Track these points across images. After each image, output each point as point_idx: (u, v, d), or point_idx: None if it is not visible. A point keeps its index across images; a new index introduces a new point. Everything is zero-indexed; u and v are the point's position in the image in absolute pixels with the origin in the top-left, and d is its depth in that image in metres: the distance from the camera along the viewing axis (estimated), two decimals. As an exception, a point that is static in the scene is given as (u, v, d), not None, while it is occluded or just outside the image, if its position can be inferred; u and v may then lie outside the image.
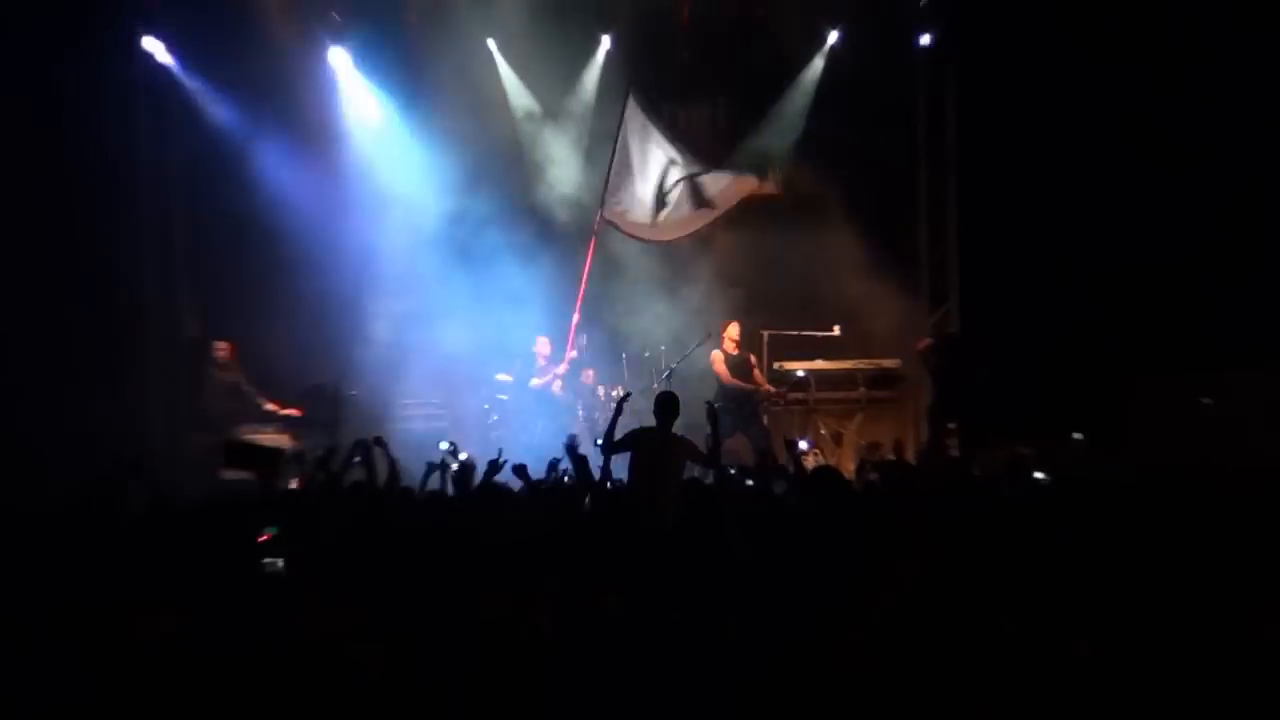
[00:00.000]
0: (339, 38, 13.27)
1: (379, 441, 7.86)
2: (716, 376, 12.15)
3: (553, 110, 13.53)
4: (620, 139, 12.45)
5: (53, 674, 4.38)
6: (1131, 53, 12.34)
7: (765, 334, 12.76)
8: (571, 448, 7.77)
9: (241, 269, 12.99)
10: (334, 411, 12.15)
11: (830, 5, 13.32)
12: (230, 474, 9.00)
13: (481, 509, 6.73)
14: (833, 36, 13.56)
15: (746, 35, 13.46)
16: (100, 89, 11.88)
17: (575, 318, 12.46)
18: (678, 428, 8.61)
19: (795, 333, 12.87)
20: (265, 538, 5.80)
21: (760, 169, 12.80)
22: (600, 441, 8.46)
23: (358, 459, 7.57)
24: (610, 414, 8.59)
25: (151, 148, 13.09)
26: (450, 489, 7.63)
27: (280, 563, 5.46)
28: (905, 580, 5.04)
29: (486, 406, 12.70)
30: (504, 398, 12.64)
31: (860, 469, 10.54)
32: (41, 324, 11.65)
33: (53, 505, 6.73)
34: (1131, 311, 12.33)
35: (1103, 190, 12.60)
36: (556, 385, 12.52)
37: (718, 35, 13.44)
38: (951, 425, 12.06)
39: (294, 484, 9.45)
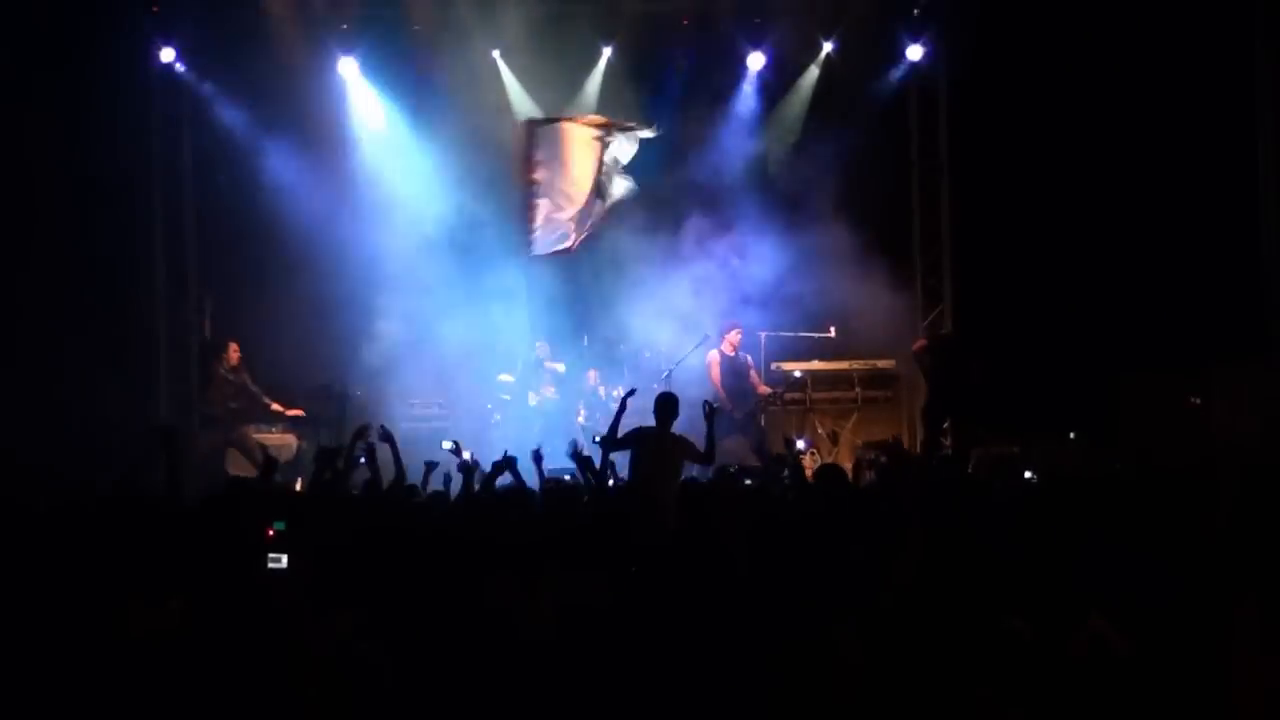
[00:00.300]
0: (347, 47, 13.37)
1: (385, 435, 7.89)
2: (710, 380, 12.21)
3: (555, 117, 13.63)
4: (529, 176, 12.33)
5: (56, 668, 4.42)
6: (1120, 56, 12.46)
7: (762, 335, 12.87)
8: (576, 454, 7.82)
9: (248, 271, 13.13)
10: (338, 411, 12.22)
11: (825, 15, 13.45)
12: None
13: (485, 509, 6.79)
14: (828, 46, 13.69)
15: (744, 44, 13.58)
16: (115, 98, 11.99)
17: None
18: (678, 428, 8.70)
19: (791, 334, 12.99)
20: (271, 533, 5.83)
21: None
22: (598, 439, 8.53)
23: (361, 458, 7.60)
24: (612, 414, 8.67)
25: (164, 153, 13.24)
26: (453, 489, 7.71)
27: (284, 559, 5.50)
28: (905, 578, 5.12)
29: (489, 406, 12.79)
30: (506, 397, 12.74)
31: (857, 468, 10.65)
32: (54, 325, 11.74)
33: (66, 499, 6.83)
34: (1122, 310, 12.44)
35: (1093, 191, 12.71)
36: (549, 390, 12.62)
37: (716, 44, 13.56)
38: (946, 424, 12.16)
39: (299, 483, 9.57)
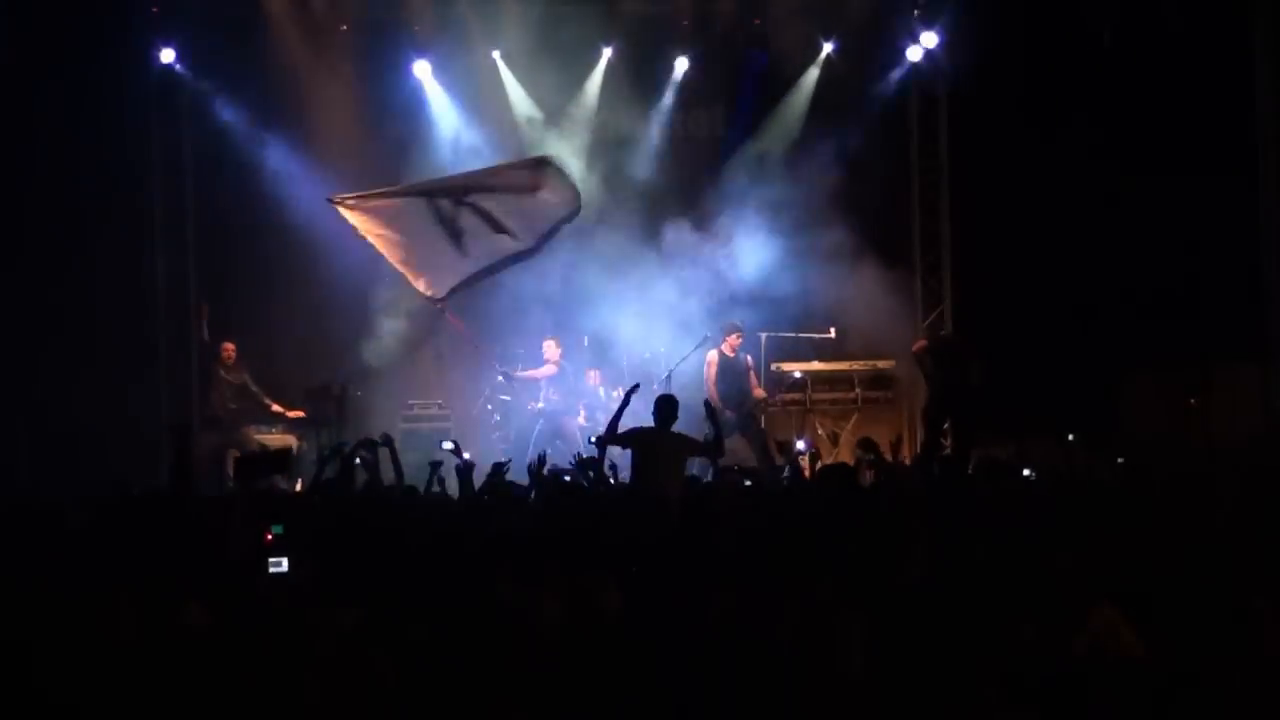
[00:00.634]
0: (347, 48, 13.37)
1: (386, 440, 7.93)
2: (705, 380, 12.21)
3: (555, 117, 13.65)
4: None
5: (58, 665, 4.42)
6: (1122, 56, 12.48)
7: (762, 335, 12.88)
8: (582, 463, 7.82)
9: (248, 271, 13.14)
10: (338, 412, 12.23)
11: (825, 17, 13.46)
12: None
13: (487, 509, 6.80)
14: (828, 47, 13.70)
15: (744, 46, 13.59)
16: (115, 98, 12.01)
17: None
18: (678, 428, 8.72)
19: (791, 334, 13.00)
20: (270, 538, 5.84)
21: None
22: (594, 439, 8.50)
23: (360, 461, 7.62)
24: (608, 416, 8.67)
25: (164, 153, 13.24)
26: (454, 489, 7.73)
27: (285, 563, 5.50)
28: (909, 578, 5.12)
29: (490, 407, 12.80)
30: (506, 398, 12.74)
31: (856, 467, 10.64)
32: (54, 326, 11.75)
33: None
34: (1122, 311, 12.46)
35: (1093, 191, 12.73)
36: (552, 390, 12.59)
37: (716, 46, 13.57)
38: (946, 425, 12.16)
39: (299, 484, 9.58)
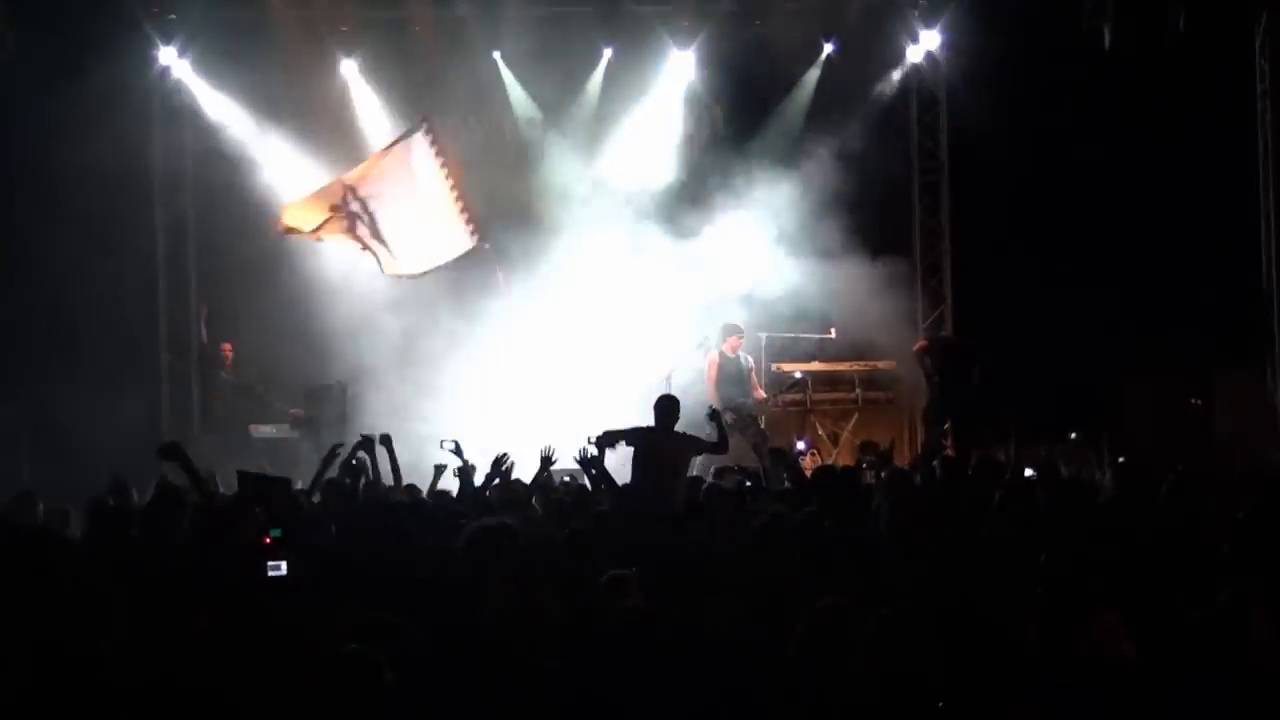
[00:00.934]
0: (348, 48, 13.38)
1: (385, 440, 7.92)
2: (705, 381, 12.21)
3: (555, 118, 13.66)
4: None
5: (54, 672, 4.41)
6: (1123, 55, 12.48)
7: (763, 336, 12.88)
8: (584, 460, 7.81)
9: (248, 271, 13.13)
10: (340, 412, 12.23)
11: (826, 17, 13.47)
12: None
13: (487, 509, 6.79)
14: (828, 47, 13.71)
15: (745, 46, 13.60)
16: (115, 98, 12.01)
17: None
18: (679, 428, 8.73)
19: (792, 335, 12.99)
20: (268, 540, 5.83)
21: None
22: (593, 439, 8.33)
23: (357, 461, 7.62)
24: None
25: (164, 153, 13.25)
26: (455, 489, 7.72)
27: (284, 566, 5.50)
28: (915, 579, 5.12)
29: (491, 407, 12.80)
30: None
31: (856, 469, 10.63)
32: (53, 327, 11.75)
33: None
34: (1124, 312, 12.46)
35: (1094, 192, 12.73)
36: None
37: (716, 46, 13.58)
38: (947, 425, 12.16)
39: (299, 484, 9.55)
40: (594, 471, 7.67)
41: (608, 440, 8.16)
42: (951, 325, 13.71)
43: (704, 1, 13.56)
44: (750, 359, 12.47)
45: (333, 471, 7.61)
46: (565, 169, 13.44)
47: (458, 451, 8.14)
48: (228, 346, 12.55)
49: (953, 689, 4.02)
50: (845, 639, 4.02)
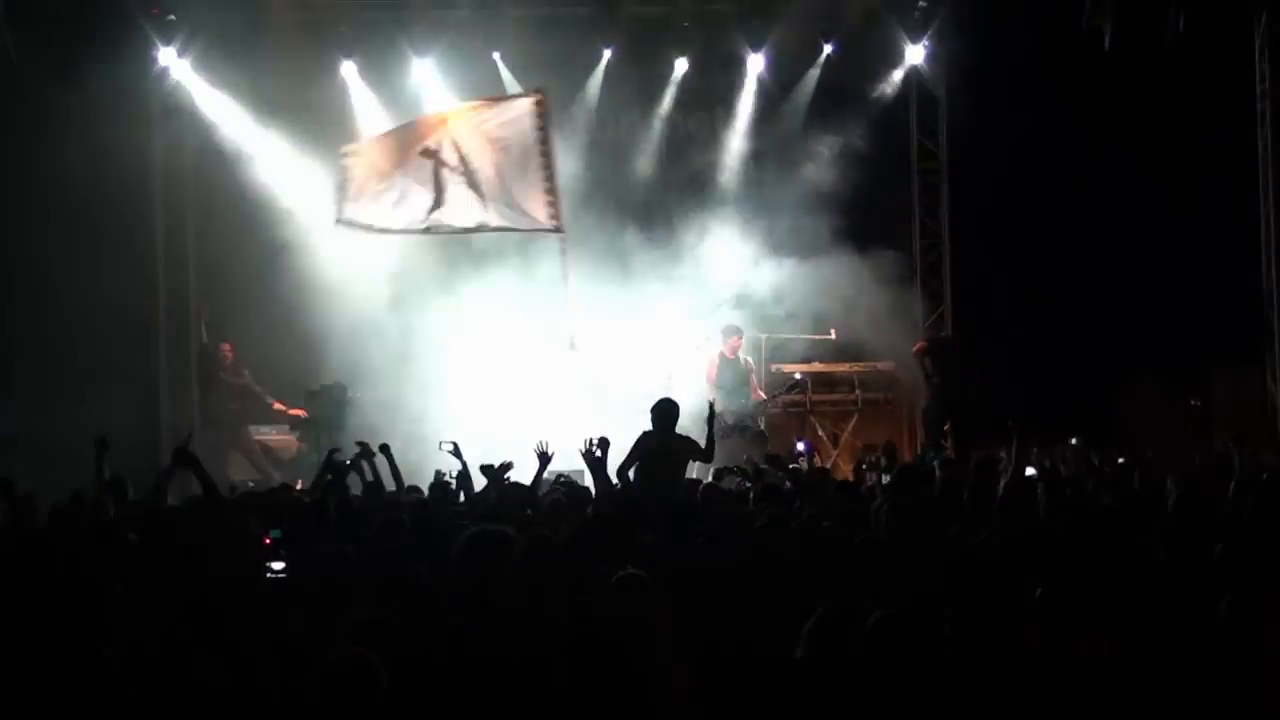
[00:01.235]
0: (347, 49, 13.38)
1: (383, 449, 7.91)
2: (706, 381, 12.22)
3: (555, 119, 13.62)
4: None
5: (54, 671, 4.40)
6: (1124, 54, 12.48)
7: (763, 337, 12.87)
8: (589, 454, 7.80)
9: (248, 272, 13.13)
10: (338, 413, 12.23)
11: (825, 18, 13.46)
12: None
13: (488, 511, 6.78)
14: (828, 48, 13.71)
15: (744, 47, 13.60)
16: (115, 99, 12.00)
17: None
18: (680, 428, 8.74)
19: (792, 336, 12.99)
20: (268, 541, 5.83)
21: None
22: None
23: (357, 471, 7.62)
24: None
25: (166, 155, 13.26)
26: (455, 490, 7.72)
27: (283, 566, 5.49)
28: (907, 580, 5.11)
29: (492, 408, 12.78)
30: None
31: (858, 470, 10.66)
32: (53, 327, 11.74)
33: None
34: (1123, 313, 12.46)
35: (1094, 192, 12.73)
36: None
37: (716, 47, 13.57)
38: (946, 426, 12.16)
39: (299, 485, 9.56)
40: (595, 472, 7.68)
41: (626, 470, 8.17)
42: (951, 325, 13.70)
43: (703, 3, 13.56)
44: (750, 360, 12.46)
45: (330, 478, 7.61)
46: (564, 169, 13.42)
47: (456, 452, 8.14)
48: (227, 347, 12.55)
49: (954, 689, 4.02)
50: (853, 640, 4.01)
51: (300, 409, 12.52)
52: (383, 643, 4.16)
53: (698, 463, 9.21)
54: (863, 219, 13.01)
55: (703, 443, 8.79)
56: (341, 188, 11.59)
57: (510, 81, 13.61)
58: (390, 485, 7.88)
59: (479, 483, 7.76)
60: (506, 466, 7.63)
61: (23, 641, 4.10)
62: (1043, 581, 4.90)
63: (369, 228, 11.63)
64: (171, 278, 13.38)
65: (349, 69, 13.50)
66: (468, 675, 4.30)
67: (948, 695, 3.94)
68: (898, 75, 13.78)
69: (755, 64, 13.71)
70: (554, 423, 12.30)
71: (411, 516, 6.48)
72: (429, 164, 11.48)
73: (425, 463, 8.95)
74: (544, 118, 11.54)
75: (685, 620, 4.66)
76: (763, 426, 12.45)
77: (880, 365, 13.14)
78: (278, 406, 12.53)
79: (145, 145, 12.98)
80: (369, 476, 7.83)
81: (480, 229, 11.79)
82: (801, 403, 12.92)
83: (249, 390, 12.44)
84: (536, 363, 12.78)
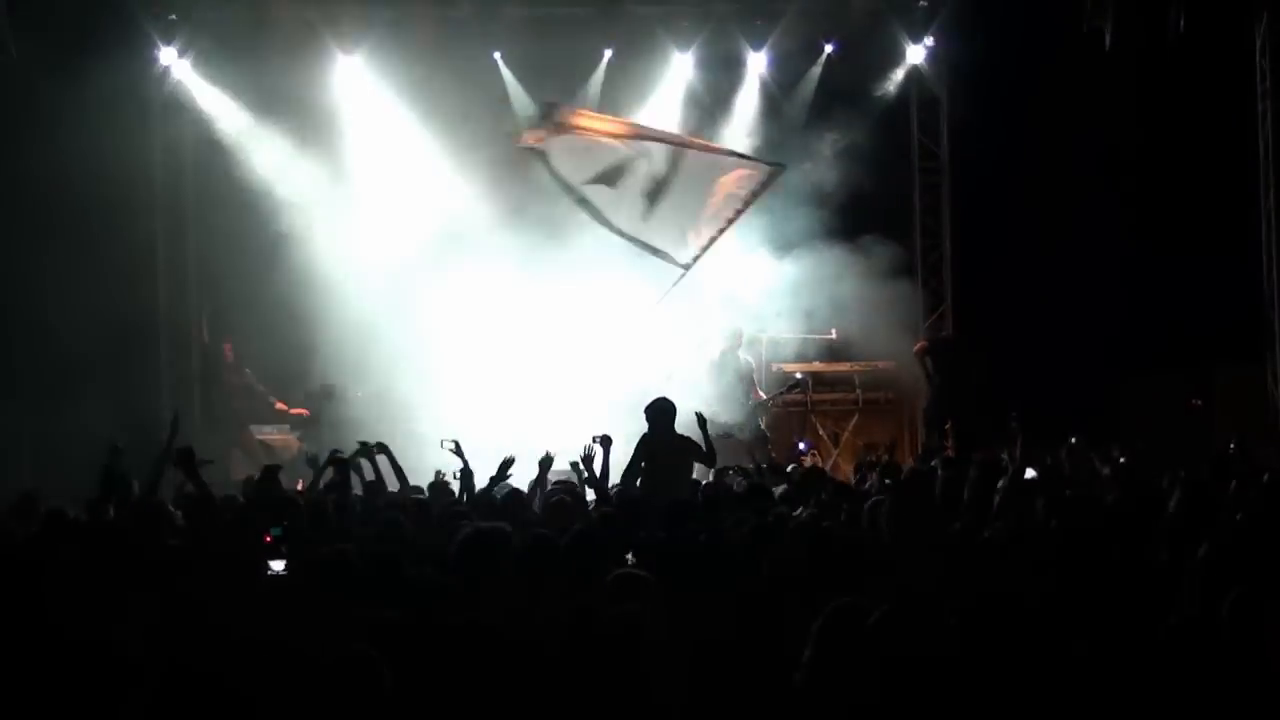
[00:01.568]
0: (348, 48, 13.39)
1: (382, 448, 7.91)
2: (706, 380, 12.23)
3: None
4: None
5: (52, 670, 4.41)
6: (1125, 54, 12.49)
7: (764, 337, 12.87)
8: (588, 458, 7.82)
9: (248, 271, 13.13)
10: (340, 411, 12.24)
11: (826, 17, 13.46)
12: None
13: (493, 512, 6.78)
14: (829, 47, 13.71)
15: (745, 46, 13.60)
16: (116, 98, 12.00)
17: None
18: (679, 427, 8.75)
19: (793, 336, 12.99)
20: (268, 539, 5.83)
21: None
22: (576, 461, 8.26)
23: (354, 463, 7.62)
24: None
25: (167, 154, 13.29)
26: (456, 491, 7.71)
27: (282, 565, 5.50)
28: (908, 579, 5.11)
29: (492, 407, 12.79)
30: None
31: (859, 470, 10.63)
32: (55, 329, 11.75)
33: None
34: (1124, 312, 12.46)
35: (1094, 192, 12.73)
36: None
37: (716, 47, 13.57)
38: (947, 426, 12.16)
39: (300, 484, 9.56)
40: (587, 473, 7.70)
41: (631, 478, 8.17)
42: (952, 325, 13.69)
43: (704, 2, 13.55)
44: (751, 359, 12.46)
45: (328, 479, 7.61)
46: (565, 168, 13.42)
47: (458, 451, 8.13)
48: (228, 345, 12.56)
49: (957, 688, 4.02)
50: (859, 640, 4.01)
51: (301, 408, 12.52)
52: (384, 642, 4.16)
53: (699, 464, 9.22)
54: (863, 218, 13.00)
55: (703, 446, 8.79)
56: (546, 117, 11.14)
57: (510, 81, 13.62)
58: (393, 484, 7.87)
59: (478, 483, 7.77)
60: (508, 463, 7.63)
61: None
62: (1043, 581, 4.90)
63: (543, 156, 11.08)
64: (172, 276, 13.39)
65: (349, 67, 13.50)
66: (465, 673, 4.31)
67: (951, 694, 3.94)
68: (899, 74, 13.78)
69: (756, 63, 13.72)
70: (554, 422, 12.43)
71: (411, 515, 6.50)
72: (633, 156, 11.00)
73: (425, 462, 8.95)
74: (767, 186, 11.23)
75: (682, 618, 4.66)
76: (763, 426, 12.45)
77: (881, 364, 13.14)
78: (279, 406, 12.53)
79: (146, 144, 12.98)
80: (369, 475, 7.83)
81: (610, 229, 11.38)
82: (802, 402, 12.93)
83: (250, 389, 12.45)
84: (538, 362, 12.79)
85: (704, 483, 8.44)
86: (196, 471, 6.56)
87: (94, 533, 6.28)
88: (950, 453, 11.55)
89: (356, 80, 13.52)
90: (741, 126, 13.80)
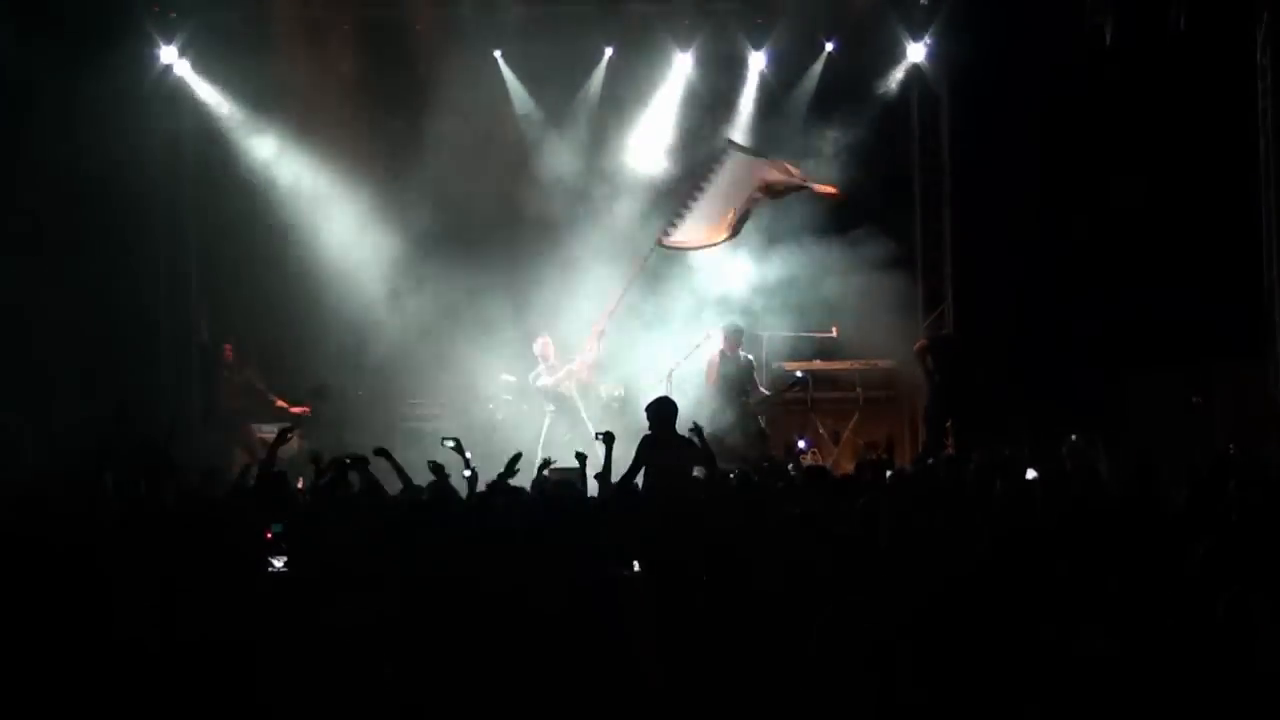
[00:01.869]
0: (348, 46, 13.37)
1: (381, 453, 7.89)
2: (705, 379, 12.22)
3: (556, 116, 13.66)
4: (712, 184, 12.21)
5: (57, 665, 4.42)
6: (1125, 53, 12.47)
7: (764, 335, 12.85)
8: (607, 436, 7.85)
9: (247, 270, 13.14)
10: (340, 411, 12.24)
11: (827, 15, 13.44)
12: None
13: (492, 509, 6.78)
14: (829, 45, 13.69)
15: (745, 45, 13.57)
16: (115, 97, 12.01)
17: (601, 324, 12.37)
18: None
19: (793, 334, 12.98)
20: (269, 536, 5.84)
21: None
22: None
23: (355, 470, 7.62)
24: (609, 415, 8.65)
25: (166, 152, 13.26)
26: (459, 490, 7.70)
27: (283, 561, 5.50)
28: (909, 578, 5.12)
29: (491, 406, 12.79)
30: (508, 398, 12.74)
31: (859, 468, 10.62)
32: (55, 327, 11.76)
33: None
34: (1125, 310, 12.44)
35: (1095, 189, 12.72)
36: (571, 382, 12.52)
37: (717, 45, 13.55)
38: (948, 425, 12.14)
39: (299, 484, 9.56)
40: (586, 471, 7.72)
41: (630, 478, 8.17)
42: (952, 323, 13.67)
43: (705, 1, 13.53)
44: (751, 358, 12.45)
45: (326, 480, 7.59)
46: (566, 167, 13.43)
47: (458, 448, 8.13)
48: (229, 345, 12.56)
49: (958, 687, 4.02)
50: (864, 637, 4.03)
51: (302, 407, 12.53)
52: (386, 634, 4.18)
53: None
54: (864, 216, 12.98)
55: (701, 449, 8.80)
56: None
57: (511, 80, 13.62)
58: (394, 486, 7.85)
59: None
60: (516, 459, 7.62)
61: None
62: (1044, 580, 4.90)
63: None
64: (172, 275, 13.38)
65: (350, 66, 13.49)
66: (461, 665, 4.32)
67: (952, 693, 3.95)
68: (899, 73, 13.74)
69: (757, 62, 13.70)
70: (554, 420, 12.44)
71: (411, 515, 6.50)
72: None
73: (423, 462, 8.94)
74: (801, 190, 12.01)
75: (674, 614, 4.67)
76: (764, 425, 12.45)
77: (881, 363, 13.12)
78: (280, 404, 12.53)
79: (145, 142, 12.97)
80: (368, 478, 7.80)
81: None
82: (803, 400, 12.92)
83: (251, 387, 12.45)
84: (536, 363, 12.78)
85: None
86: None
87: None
88: (951, 451, 11.55)
89: (356, 78, 13.50)
90: (742, 124, 13.78)
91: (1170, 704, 4.12)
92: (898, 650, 4.30)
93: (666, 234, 12.23)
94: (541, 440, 11.86)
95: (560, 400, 12.51)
